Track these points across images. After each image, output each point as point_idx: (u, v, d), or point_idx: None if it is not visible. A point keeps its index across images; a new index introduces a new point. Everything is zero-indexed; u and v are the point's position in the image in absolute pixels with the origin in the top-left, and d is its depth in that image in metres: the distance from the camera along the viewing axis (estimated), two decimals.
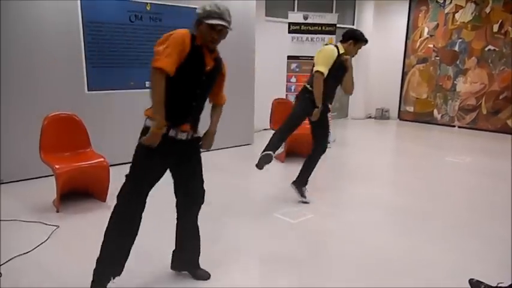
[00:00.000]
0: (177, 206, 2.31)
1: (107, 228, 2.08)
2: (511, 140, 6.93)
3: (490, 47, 7.66)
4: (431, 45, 8.53)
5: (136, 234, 2.11)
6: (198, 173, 2.26)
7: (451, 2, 8.11)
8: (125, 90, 4.83)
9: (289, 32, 6.37)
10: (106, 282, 2.09)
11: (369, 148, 6.50)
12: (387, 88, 9.27)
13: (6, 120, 4.07)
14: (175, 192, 2.28)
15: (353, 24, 8.99)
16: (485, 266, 2.61)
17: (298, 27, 6.35)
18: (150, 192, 2.09)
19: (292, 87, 6.42)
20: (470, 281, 2.32)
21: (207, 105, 2.27)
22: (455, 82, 8.23)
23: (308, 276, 2.51)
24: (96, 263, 2.08)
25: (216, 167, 4.81)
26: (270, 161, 3.43)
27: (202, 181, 2.28)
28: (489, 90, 7.73)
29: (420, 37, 8.70)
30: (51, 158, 3.44)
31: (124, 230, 2.07)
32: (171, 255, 2.42)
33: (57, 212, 3.39)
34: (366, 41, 3.49)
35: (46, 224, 3.12)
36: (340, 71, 3.49)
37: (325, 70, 3.38)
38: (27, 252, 2.67)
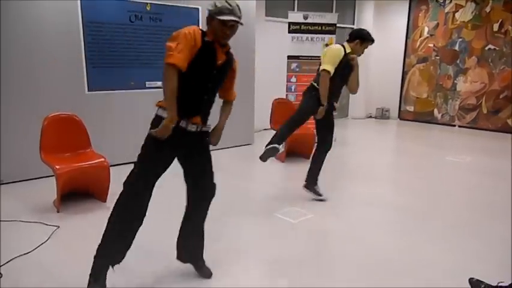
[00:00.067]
0: (187, 199, 2.32)
1: (111, 214, 2.09)
2: (511, 139, 6.94)
3: (490, 46, 7.66)
4: (431, 45, 8.53)
5: (141, 224, 2.11)
6: (208, 170, 2.30)
7: (451, 2, 8.10)
8: (125, 91, 4.83)
9: (289, 32, 6.36)
10: (105, 271, 2.10)
11: (369, 148, 6.49)
12: (387, 88, 9.26)
13: (6, 121, 4.07)
14: (186, 181, 2.29)
15: (353, 24, 8.98)
16: (486, 266, 2.61)
17: (298, 27, 6.34)
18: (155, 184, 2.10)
19: (293, 87, 6.42)
20: (470, 281, 2.32)
21: (218, 101, 2.28)
22: (455, 81, 8.23)
23: (308, 276, 2.51)
24: (97, 251, 2.09)
25: (216, 167, 4.72)
26: (275, 155, 3.48)
27: (212, 176, 2.32)
28: (489, 89, 7.73)
29: (420, 36, 8.69)
30: (51, 158, 3.45)
31: (128, 218, 2.08)
32: (172, 255, 2.41)
33: (58, 212, 3.40)
34: (372, 41, 3.51)
35: (46, 225, 3.13)
36: (346, 70, 3.51)
37: (331, 69, 3.41)
38: (27, 253, 2.67)
